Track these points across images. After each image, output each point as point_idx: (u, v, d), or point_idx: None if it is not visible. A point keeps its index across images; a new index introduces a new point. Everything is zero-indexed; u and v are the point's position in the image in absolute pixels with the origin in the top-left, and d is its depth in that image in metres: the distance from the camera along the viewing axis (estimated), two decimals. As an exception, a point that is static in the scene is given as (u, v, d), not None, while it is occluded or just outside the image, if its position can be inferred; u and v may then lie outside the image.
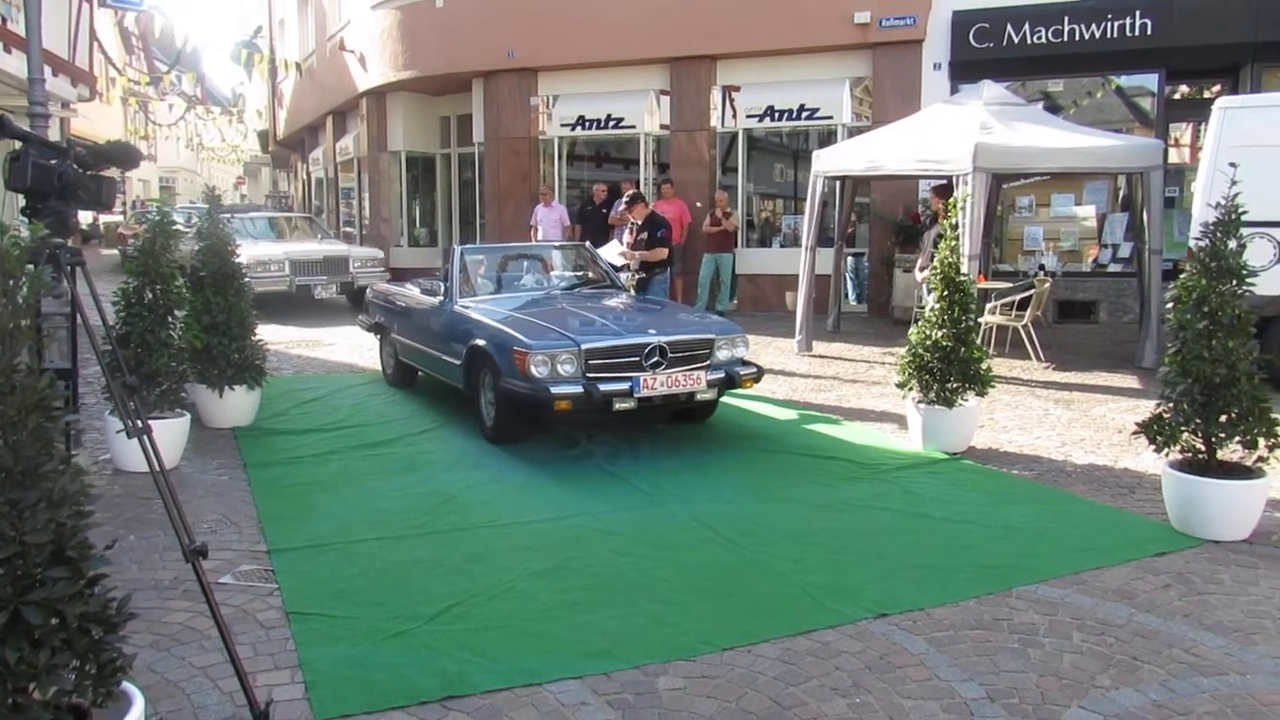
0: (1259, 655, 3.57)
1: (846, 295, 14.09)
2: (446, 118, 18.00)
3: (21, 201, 2.86)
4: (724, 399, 7.79)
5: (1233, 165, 4.82)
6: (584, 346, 6.12)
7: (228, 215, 16.41)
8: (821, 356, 10.21)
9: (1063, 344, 10.70)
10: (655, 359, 6.22)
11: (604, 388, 6.04)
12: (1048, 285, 10.42)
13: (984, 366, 6.36)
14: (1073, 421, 7.26)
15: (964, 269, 8.61)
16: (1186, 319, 4.74)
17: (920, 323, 6.40)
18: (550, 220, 14.05)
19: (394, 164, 18.12)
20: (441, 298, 7.49)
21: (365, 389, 8.61)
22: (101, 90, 27.82)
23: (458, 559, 4.53)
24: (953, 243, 6.29)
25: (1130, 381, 8.75)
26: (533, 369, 6.02)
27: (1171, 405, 4.80)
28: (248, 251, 13.28)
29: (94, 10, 13.82)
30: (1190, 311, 4.74)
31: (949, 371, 6.26)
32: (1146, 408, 5.25)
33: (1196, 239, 4.87)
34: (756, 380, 6.71)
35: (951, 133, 9.13)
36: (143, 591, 4.05)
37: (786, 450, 6.51)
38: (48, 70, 10.66)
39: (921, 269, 9.33)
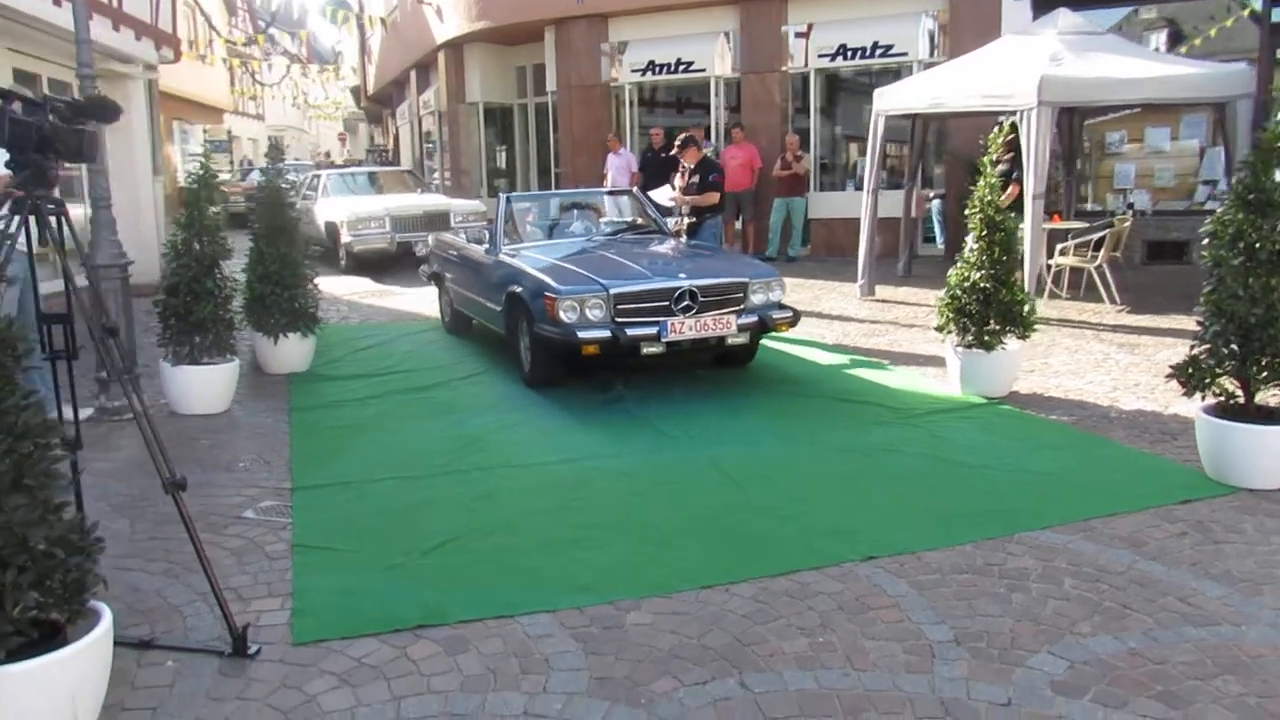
0: (1259, 607, 3.41)
1: (933, 238, 13.71)
2: (522, 67, 18.05)
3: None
4: (770, 344, 7.76)
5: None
6: (612, 291, 6.15)
7: (330, 171, 16.62)
8: (884, 301, 10.00)
9: (1145, 286, 10.20)
10: (685, 303, 6.20)
11: (631, 332, 6.07)
12: (1127, 224, 9.93)
13: (1026, 309, 6.13)
14: (1132, 366, 6.95)
15: (1030, 208, 8.38)
16: (1222, 255, 4.48)
17: (959, 264, 6.20)
18: (618, 167, 14.03)
19: (472, 115, 18.31)
20: (488, 246, 7.60)
21: (423, 336, 8.84)
22: (204, 53, 28.85)
23: (469, 497, 4.66)
24: (992, 180, 6.04)
25: (1207, 325, 8.30)
26: (561, 314, 6.08)
27: (1206, 347, 4.56)
28: (349, 208, 13.68)
29: (176, -27, 14.29)
30: (1226, 248, 4.48)
31: (988, 314, 6.06)
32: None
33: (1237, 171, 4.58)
34: (792, 324, 6.63)
35: (1018, 66, 8.72)
36: (167, 524, 4.31)
37: (821, 395, 6.44)
38: (130, 34, 11.13)
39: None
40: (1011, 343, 6.21)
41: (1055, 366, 7.00)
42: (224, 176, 27.60)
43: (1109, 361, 7.13)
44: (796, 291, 10.89)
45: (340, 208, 13.73)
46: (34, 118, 2.95)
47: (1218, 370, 4.53)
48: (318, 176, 15.80)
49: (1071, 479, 4.74)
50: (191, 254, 5.98)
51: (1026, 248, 8.40)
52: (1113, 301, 9.24)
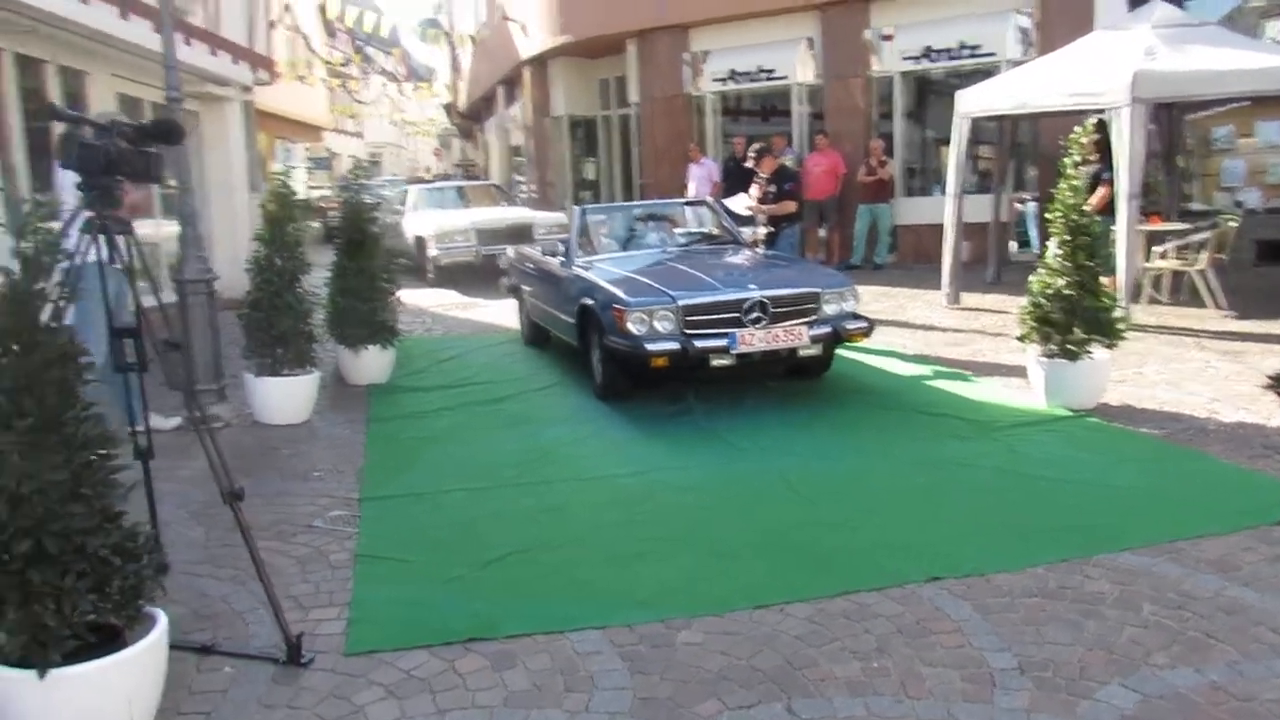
0: (1361, 637, 3.16)
1: (1029, 243, 13.26)
2: (605, 80, 18.17)
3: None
4: (847, 354, 7.59)
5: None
6: (681, 303, 6.10)
7: (418, 186, 16.94)
8: (971, 310, 9.70)
9: (1254, 289, 9.67)
10: (756, 314, 6.11)
11: (700, 344, 6.01)
12: (1233, 225, 9.43)
13: (1114, 315, 5.86)
14: (1234, 376, 6.57)
15: (1122, 210, 8.02)
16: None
17: (1041, 270, 5.96)
18: (700, 177, 13.97)
19: (557, 129, 18.51)
20: (562, 258, 7.64)
21: (501, 349, 8.94)
22: (303, 74, 29.90)
23: (534, 510, 4.67)
24: (1074, 182, 5.80)
25: (1321, 332, 7.83)
26: (630, 326, 6.06)
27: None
28: (435, 222, 13.99)
29: (269, 0, 14.83)
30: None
31: (1072, 322, 5.81)
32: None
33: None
34: (867, 334, 6.48)
35: (1109, 62, 8.37)
36: (239, 531, 4.43)
37: (897, 407, 6.27)
38: (227, 58, 11.59)
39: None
40: (1099, 352, 5.94)
41: (1150, 376, 6.67)
42: (322, 193, 28.55)
43: (1209, 370, 6.76)
44: (879, 300, 10.68)
45: (427, 222, 14.02)
46: (102, 141, 3.06)
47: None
48: (407, 191, 16.17)
49: (1158, 496, 4.50)
50: (273, 269, 6.15)
51: (1120, 251, 8.07)
52: (1217, 306, 8.78)
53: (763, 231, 8.49)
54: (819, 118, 14.26)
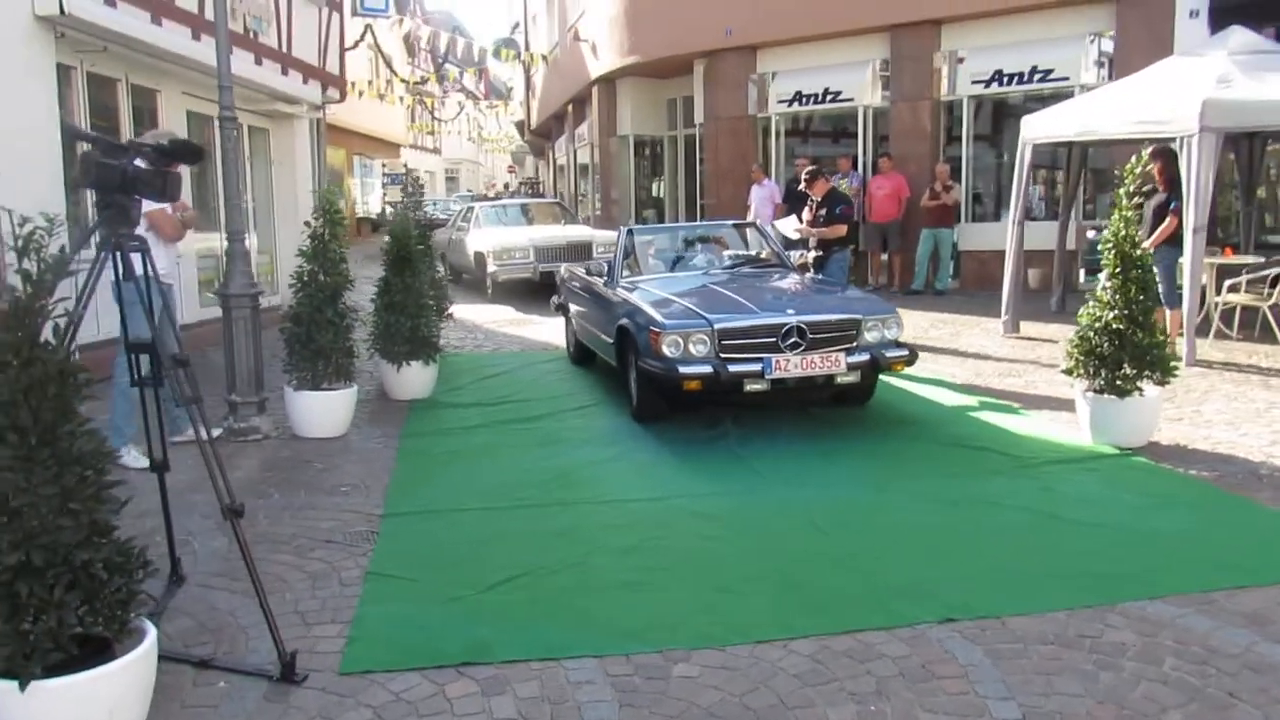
0: (1398, 706, 2.95)
1: (1098, 273, 12.86)
2: (673, 100, 18.23)
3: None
4: (894, 382, 7.45)
5: None
6: (717, 326, 6.05)
7: (482, 204, 17.28)
8: (1029, 339, 9.43)
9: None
10: (793, 340, 6.02)
11: (734, 368, 5.94)
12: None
13: (1167, 352, 5.63)
14: (1299, 418, 6.26)
15: (1190, 242, 7.71)
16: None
17: (1091, 303, 5.76)
18: (761, 198, 13.90)
19: (623, 148, 18.61)
20: (605, 278, 7.65)
21: (547, 366, 8.97)
22: (383, 93, 30.70)
23: (547, 532, 4.65)
24: (1127, 213, 5.59)
25: (1402, 373, 7.41)
26: (665, 349, 6.02)
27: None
28: (494, 239, 14.21)
29: (344, 22, 15.22)
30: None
31: (1121, 357, 5.59)
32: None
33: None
34: (908, 363, 6.33)
35: (1181, 89, 8.08)
36: (260, 544, 4.50)
37: (937, 440, 6.10)
38: (298, 77, 11.93)
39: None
40: (1149, 388, 5.71)
41: (1208, 415, 6.38)
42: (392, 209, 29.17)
43: (1273, 411, 6.44)
44: (936, 327, 10.47)
45: (488, 238, 14.21)
46: (119, 160, 3.14)
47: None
48: (471, 208, 16.41)
49: (1197, 543, 4.28)
50: (315, 284, 6.27)
51: (1186, 284, 7.77)
52: (1298, 345, 8.39)
53: (811, 255, 8.37)
54: (885, 140, 14.08)
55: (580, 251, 13.35)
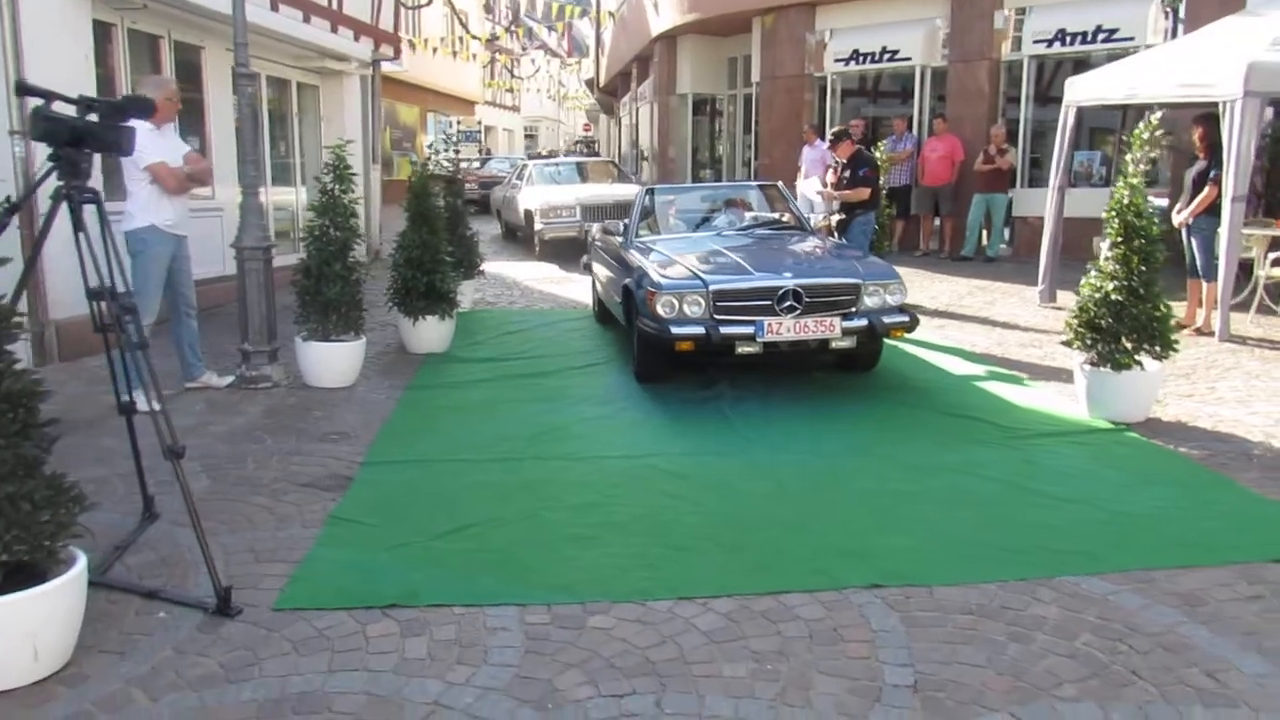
0: (1303, 693, 2.87)
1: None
2: (734, 58, 18.01)
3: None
4: (907, 349, 7.38)
5: None
6: (712, 288, 6.05)
7: (535, 161, 17.41)
8: (1065, 309, 9.12)
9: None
10: (789, 303, 5.99)
11: (726, 330, 5.95)
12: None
13: (1170, 324, 5.44)
14: (1321, 398, 5.99)
15: (1228, 211, 7.38)
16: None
17: (1093, 273, 5.59)
18: (812, 159, 13.60)
19: (682, 106, 18.49)
20: (623, 238, 7.68)
21: (571, 325, 9.07)
22: (456, 49, 30.95)
23: (515, 484, 4.76)
24: (1134, 180, 5.39)
25: None
26: (660, 309, 6.06)
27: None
28: (542, 196, 14.34)
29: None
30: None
31: (1120, 329, 5.42)
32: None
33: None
34: (908, 330, 6.24)
35: (1230, 50, 7.69)
36: (240, 486, 4.73)
37: (933, 408, 6.03)
38: (349, 34, 12.12)
39: (1178, 212, 8.01)
40: (1150, 363, 5.53)
41: (1221, 391, 6.16)
42: (464, 165, 29.54)
43: (1294, 390, 6.19)
44: (974, 295, 10.26)
45: (536, 196, 14.32)
46: (71, 115, 3.30)
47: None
48: (525, 166, 16.53)
49: (1161, 522, 4.18)
50: (326, 238, 6.45)
51: (1222, 256, 7.44)
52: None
53: (834, 219, 8.26)
54: (943, 101, 13.71)
55: (627, 210, 13.24)
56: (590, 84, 35.83)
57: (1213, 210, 7.61)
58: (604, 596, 3.57)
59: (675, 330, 5.96)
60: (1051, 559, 3.82)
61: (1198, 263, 7.83)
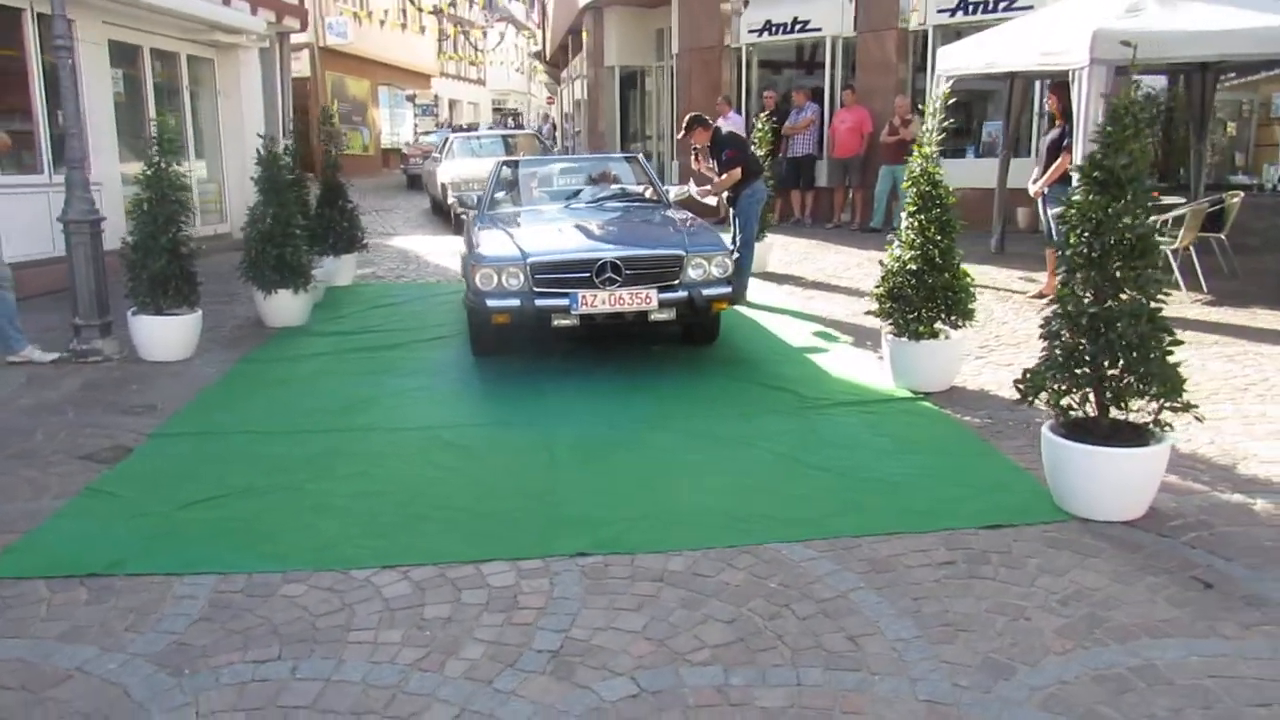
0: (926, 657, 2.92)
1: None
2: (661, 30, 17.87)
3: None
4: (765, 319, 7.45)
5: None
6: (530, 260, 6.05)
7: (457, 135, 17.32)
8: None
9: (1263, 273, 8.83)
10: (608, 275, 6.00)
11: (541, 303, 5.95)
12: (1237, 201, 8.60)
13: (970, 293, 5.48)
14: (1135, 366, 6.04)
15: (1076, 181, 7.40)
16: (1074, 242, 3.83)
17: (895, 244, 5.62)
18: (724, 132, 13.63)
19: (610, 79, 18.37)
20: (476, 211, 7.67)
21: (446, 298, 9.04)
22: (403, 21, 30.69)
23: (296, 456, 4.77)
24: (928, 150, 5.41)
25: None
26: (478, 281, 6.05)
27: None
28: (455, 170, 14.30)
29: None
30: (1080, 230, 3.82)
31: (919, 299, 5.46)
32: None
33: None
34: (731, 302, 6.28)
35: (1086, 18, 7.69)
36: (16, 459, 4.72)
37: (752, 379, 6.05)
38: (246, 8, 11.98)
39: (1034, 181, 8.05)
40: (955, 333, 5.58)
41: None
42: (411, 140, 29.18)
43: (1113, 360, 6.23)
44: (862, 266, 10.29)
45: (451, 169, 14.27)
46: None
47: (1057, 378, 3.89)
48: (448, 139, 16.44)
49: (906, 490, 4.22)
50: (148, 212, 6.41)
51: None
52: (1199, 291, 8.05)
53: (712, 200, 8.25)
54: (854, 72, 13.67)
55: None
56: (539, 56, 35.50)
57: (1065, 179, 7.64)
58: (311, 565, 3.60)
59: (491, 303, 5.97)
60: (769, 526, 3.86)
61: (1052, 230, 7.86)
